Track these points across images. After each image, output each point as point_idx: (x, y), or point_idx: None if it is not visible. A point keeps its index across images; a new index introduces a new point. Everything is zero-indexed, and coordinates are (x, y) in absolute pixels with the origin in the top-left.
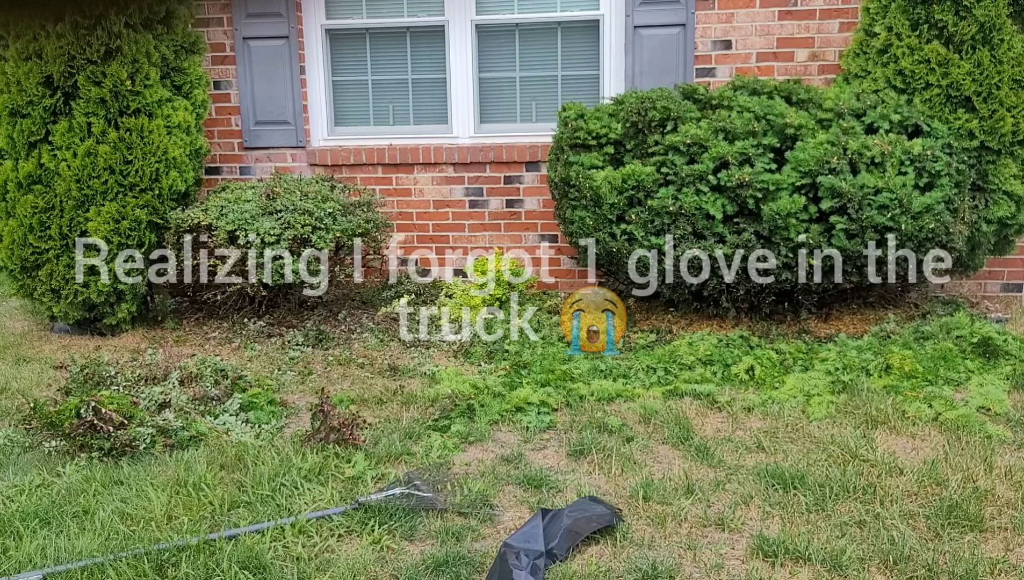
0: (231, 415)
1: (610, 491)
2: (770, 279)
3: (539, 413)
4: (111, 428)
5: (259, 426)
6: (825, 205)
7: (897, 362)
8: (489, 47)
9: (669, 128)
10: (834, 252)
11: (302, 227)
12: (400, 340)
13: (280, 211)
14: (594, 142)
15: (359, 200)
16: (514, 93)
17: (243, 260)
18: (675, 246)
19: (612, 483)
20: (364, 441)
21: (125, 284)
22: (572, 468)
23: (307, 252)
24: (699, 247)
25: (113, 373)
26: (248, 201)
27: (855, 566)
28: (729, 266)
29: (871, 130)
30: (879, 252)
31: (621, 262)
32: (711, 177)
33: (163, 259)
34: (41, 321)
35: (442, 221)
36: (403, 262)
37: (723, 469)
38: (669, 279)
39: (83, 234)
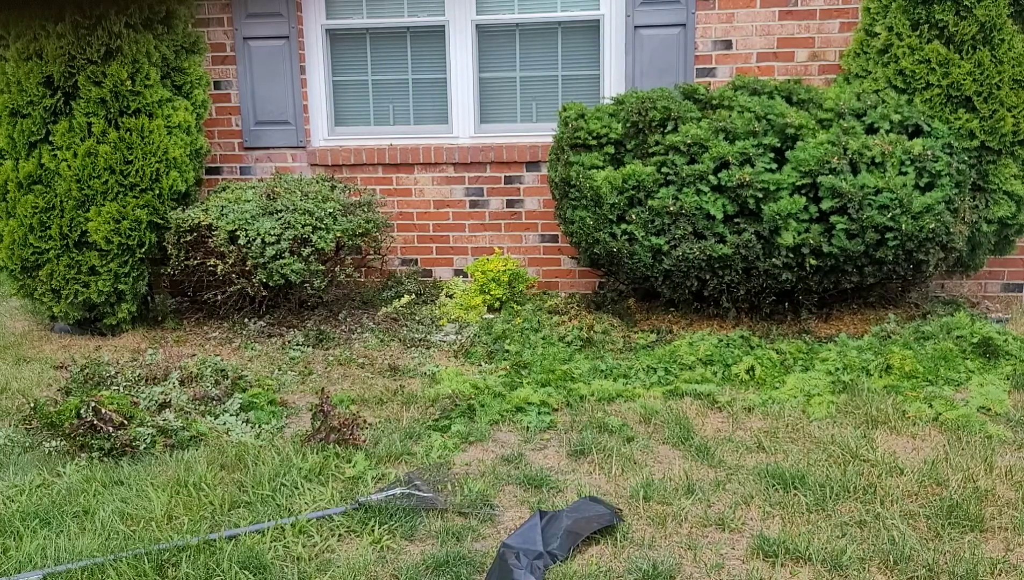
0: (231, 415)
1: (610, 491)
2: (770, 279)
3: (539, 413)
4: (111, 428)
5: (259, 426)
6: (825, 205)
7: (897, 362)
8: (489, 47)
9: (669, 128)
10: (834, 252)
11: (302, 227)
12: (400, 340)
13: (280, 211)
14: (594, 142)
15: (359, 200)
16: (514, 93)
17: (243, 260)
18: (675, 246)
19: (612, 483)
20: (364, 441)
21: (125, 284)
22: (572, 468)
23: (307, 252)
24: (699, 247)
25: (113, 373)
26: (248, 201)
27: (855, 566)
28: (729, 266)
29: (871, 130)
30: (879, 252)
31: (621, 262)
32: (711, 177)
33: (163, 259)
34: (41, 321)
35: (442, 221)
36: (403, 262)
37: (723, 469)
38: (669, 279)
39: (83, 234)
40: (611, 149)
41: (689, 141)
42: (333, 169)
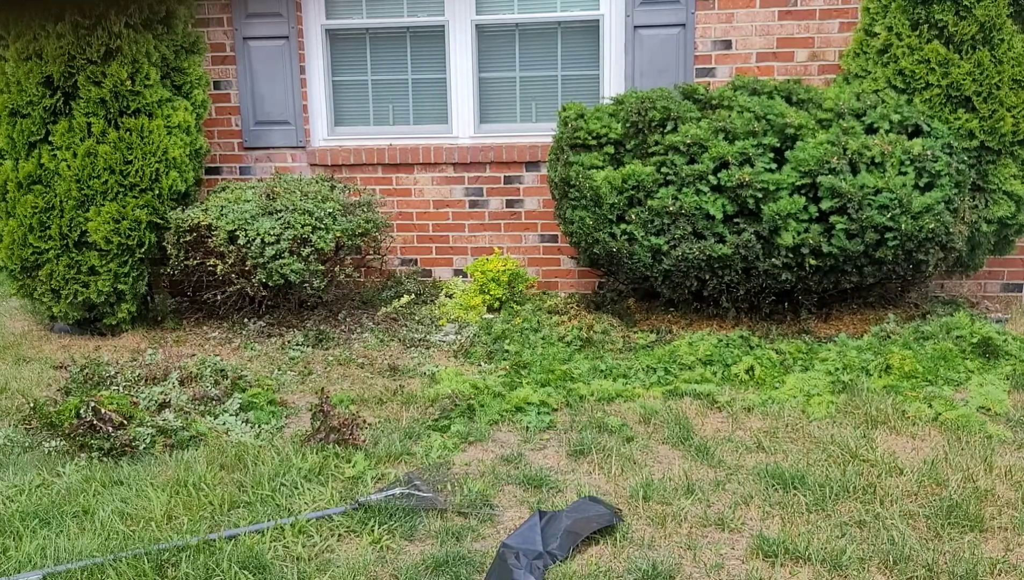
0: (231, 415)
1: (610, 491)
2: (770, 279)
3: (539, 413)
4: (111, 428)
5: (259, 426)
6: (825, 205)
7: (897, 362)
8: (489, 47)
9: (669, 128)
10: (834, 252)
11: (302, 227)
12: (400, 340)
13: (280, 211)
14: (594, 142)
15: (359, 200)
16: (514, 93)
17: (243, 260)
18: (675, 246)
19: (612, 483)
20: (364, 441)
21: (125, 284)
22: (572, 468)
23: (307, 252)
24: (699, 247)
25: (113, 373)
26: (248, 201)
27: (855, 566)
28: (729, 266)
29: (871, 130)
30: (879, 252)
31: (621, 262)
32: (711, 177)
33: (163, 259)
34: (41, 321)
35: (442, 221)
36: (403, 262)
37: (723, 469)
38: (669, 279)
39: (83, 234)
40: (611, 149)
41: (689, 141)
42: (333, 169)
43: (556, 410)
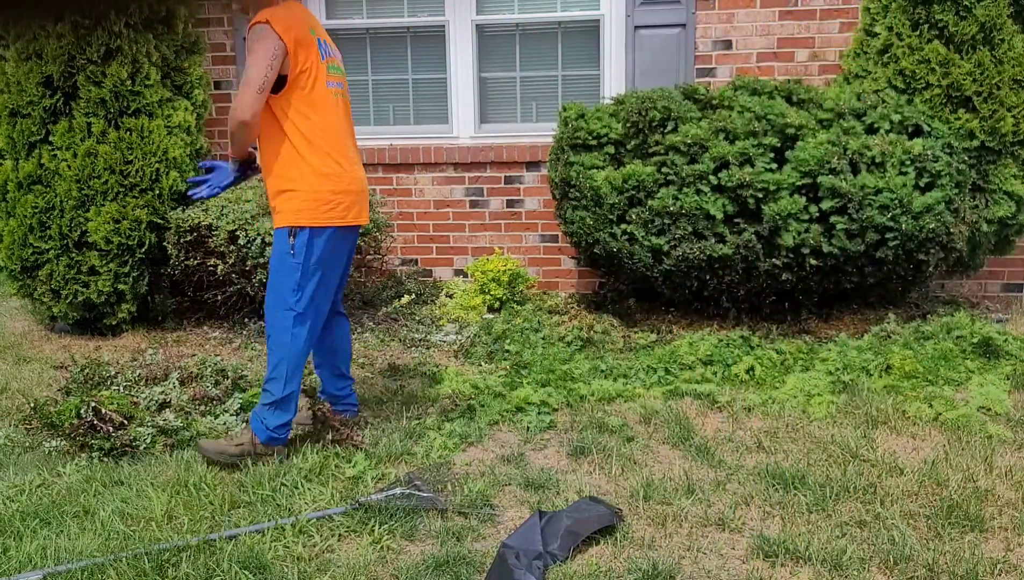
0: (231, 415)
1: (610, 491)
2: (770, 279)
3: (539, 413)
4: (111, 428)
5: None
6: (826, 205)
7: (897, 362)
8: (489, 47)
9: (670, 128)
10: (835, 252)
11: None
12: (400, 340)
13: None
14: (595, 142)
15: None
16: (514, 93)
17: (243, 260)
18: (675, 246)
19: (612, 483)
20: (364, 441)
21: (125, 284)
22: (572, 468)
23: None
24: (699, 247)
25: (113, 373)
26: (248, 201)
27: (855, 566)
28: (730, 266)
29: (871, 130)
30: (880, 252)
31: (621, 262)
32: (712, 177)
33: (163, 259)
34: (41, 321)
35: (442, 221)
36: (404, 262)
37: (723, 469)
38: (669, 279)
39: (83, 234)
40: (611, 149)
41: (689, 141)
42: None
43: (556, 410)
